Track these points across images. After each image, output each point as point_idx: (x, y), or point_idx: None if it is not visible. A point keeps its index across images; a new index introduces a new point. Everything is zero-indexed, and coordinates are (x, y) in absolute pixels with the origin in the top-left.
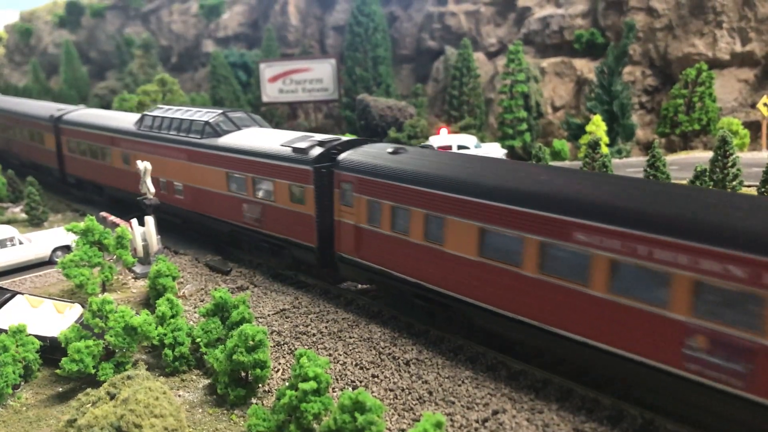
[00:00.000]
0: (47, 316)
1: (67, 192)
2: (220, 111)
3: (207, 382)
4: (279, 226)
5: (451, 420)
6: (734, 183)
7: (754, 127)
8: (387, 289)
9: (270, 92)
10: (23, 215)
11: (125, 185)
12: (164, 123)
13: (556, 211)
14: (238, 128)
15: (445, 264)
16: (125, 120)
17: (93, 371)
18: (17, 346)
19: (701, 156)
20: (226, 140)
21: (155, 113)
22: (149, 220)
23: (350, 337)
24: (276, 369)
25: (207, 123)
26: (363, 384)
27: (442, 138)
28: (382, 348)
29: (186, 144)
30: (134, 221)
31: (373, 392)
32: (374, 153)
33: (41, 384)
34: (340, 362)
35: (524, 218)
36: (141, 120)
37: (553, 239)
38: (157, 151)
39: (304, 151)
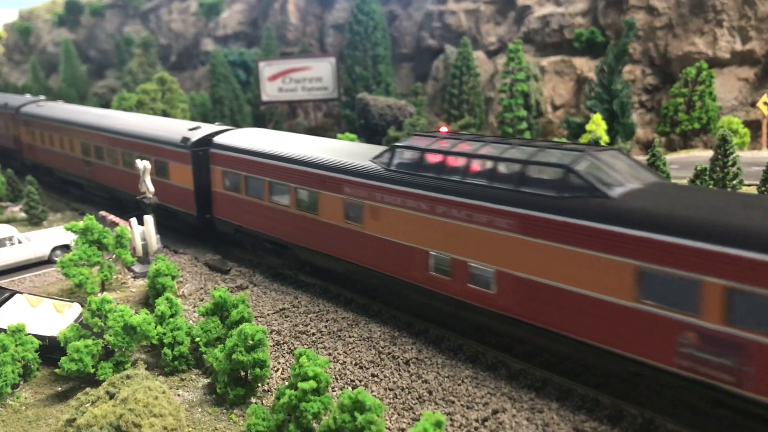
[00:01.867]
0: (46, 316)
1: (66, 191)
2: (581, 148)
3: (206, 381)
4: None
5: (451, 419)
6: (734, 182)
7: (754, 126)
8: None
9: (269, 91)
10: (22, 214)
11: (351, 253)
12: (449, 163)
13: None
14: (625, 180)
15: None
16: (348, 151)
17: (92, 371)
18: (16, 346)
19: (701, 155)
20: (632, 205)
21: (422, 144)
22: (148, 219)
23: (350, 337)
24: (275, 368)
25: (570, 170)
26: (363, 383)
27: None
28: (382, 347)
29: (518, 205)
30: (133, 220)
31: (372, 391)
32: None
33: (40, 383)
34: (340, 361)
35: None
36: (390, 154)
37: None
38: (435, 209)
39: None
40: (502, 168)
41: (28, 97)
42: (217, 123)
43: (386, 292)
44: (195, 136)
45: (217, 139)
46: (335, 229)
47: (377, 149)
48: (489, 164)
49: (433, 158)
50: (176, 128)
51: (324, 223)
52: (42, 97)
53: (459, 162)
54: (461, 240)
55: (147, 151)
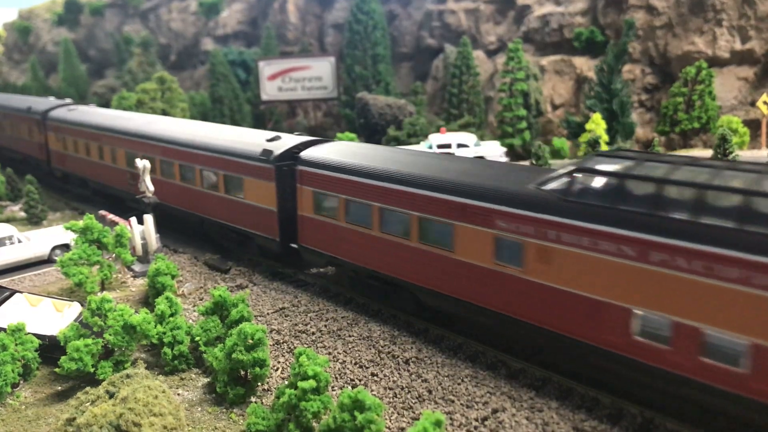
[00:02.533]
0: (46, 315)
1: (66, 190)
2: None
3: (206, 380)
4: None
5: (451, 418)
6: None
7: (753, 125)
8: None
9: (269, 90)
10: (22, 214)
11: (503, 303)
12: (670, 195)
13: None
14: None
15: None
16: (494, 174)
17: (92, 370)
18: (16, 345)
19: (701, 154)
20: None
21: (619, 168)
22: (148, 218)
23: (349, 336)
24: (275, 367)
25: None
26: (362, 382)
27: (442, 136)
28: (382, 346)
29: None
30: (133, 220)
31: (372, 391)
32: None
33: (40, 383)
34: (340, 361)
35: None
36: (569, 180)
37: None
38: (647, 256)
39: None
40: (761, 205)
41: (52, 100)
42: (296, 133)
43: (558, 354)
44: (278, 148)
45: (306, 154)
46: (480, 271)
47: (535, 172)
48: (737, 199)
49: (641, 187)
50: (251, 139)
51: (462, 262)
52: (68, 100)
53: (685, 194)
54: (691, 299)
55: (213, 164)
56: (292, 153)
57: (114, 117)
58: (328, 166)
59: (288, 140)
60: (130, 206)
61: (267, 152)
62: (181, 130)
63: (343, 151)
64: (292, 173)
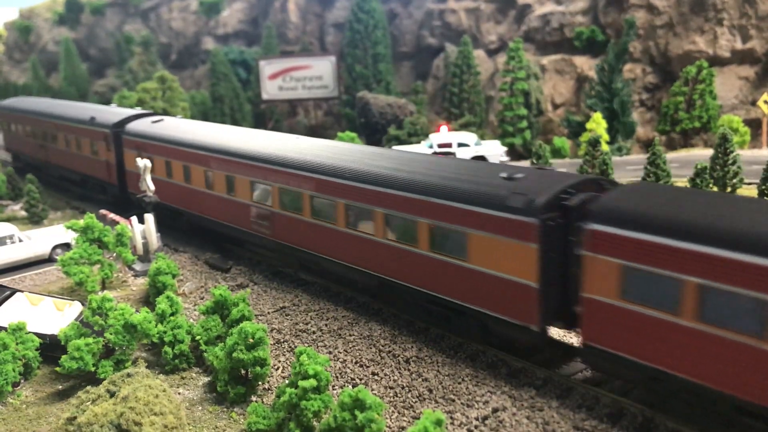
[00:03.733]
0: (47, 314)
1: (66, 189)
2: None
3: (207, 379)
4: None
5: (451, 418)
6: (734, 181)
7: (754, 124)
8: None
9: (270, 90)
10: (23, 213)
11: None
12: None
13: None
14: None
15: None
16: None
17: (93, 369)
18: (17, 344)
19: (702, 154)
20: None
21: None
22: (149, 217)
23: (350, 335)
24: (276, 367)
25: None
26: (363, 382)
27: (443, 135)
28: (382, 346)
29: None
30: (134, 219)
31: (373, 390)
32: None
33: (41, 382)
34: (340, 360)
35: None
36: None
37: None
38: None
39: None
40: None
41: (117, 108)
42: (540, 162)
43: None
44: (537, 192)
45: (602, 206)
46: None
47: None
48: None
49: None
50: (468, 171)
51: None
52: (138, 108)
53: None
54: None
55: (411, 209)
56: (561, 200)
57: (227, 135)
58: (656, 227)
59: (538, 178)
60: (249, 249)
61: (522, 199)
62: (345, 158)
63: (664, 199)
64: (563, 231)
